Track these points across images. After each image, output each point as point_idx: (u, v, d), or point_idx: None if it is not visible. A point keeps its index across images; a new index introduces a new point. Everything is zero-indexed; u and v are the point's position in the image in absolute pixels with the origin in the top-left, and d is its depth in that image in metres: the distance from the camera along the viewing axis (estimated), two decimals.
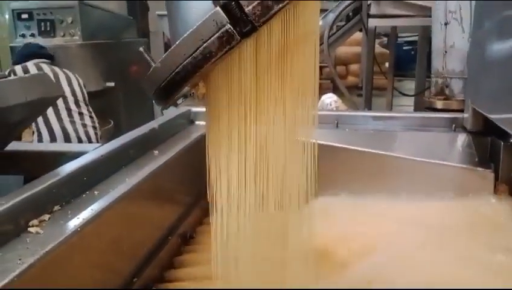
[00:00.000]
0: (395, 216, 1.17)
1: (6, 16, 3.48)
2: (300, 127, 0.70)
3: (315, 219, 0.74)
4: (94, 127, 2.72)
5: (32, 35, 3.33)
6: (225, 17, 0.56)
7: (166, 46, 5.45)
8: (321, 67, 6.95)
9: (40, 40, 3.11)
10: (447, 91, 1.82)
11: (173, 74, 0.60)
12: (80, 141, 2.53)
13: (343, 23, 3.97)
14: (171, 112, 1.34)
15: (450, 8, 1.83)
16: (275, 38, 0.62)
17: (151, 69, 0.64)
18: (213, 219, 0.69)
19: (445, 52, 1.81)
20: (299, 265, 0.75)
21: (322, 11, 3.47)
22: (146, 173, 0.95)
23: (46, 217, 0.72)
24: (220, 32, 0.56)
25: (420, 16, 2.75)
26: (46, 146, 1.98)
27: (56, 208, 0.75)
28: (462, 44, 1.80)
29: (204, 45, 0.57)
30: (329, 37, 3.53)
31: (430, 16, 2.05)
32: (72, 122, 2.53)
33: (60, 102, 2.38)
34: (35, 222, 0.70)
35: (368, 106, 3.41)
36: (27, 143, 2.02)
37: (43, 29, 3.33)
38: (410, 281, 0.90)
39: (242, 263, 0.70)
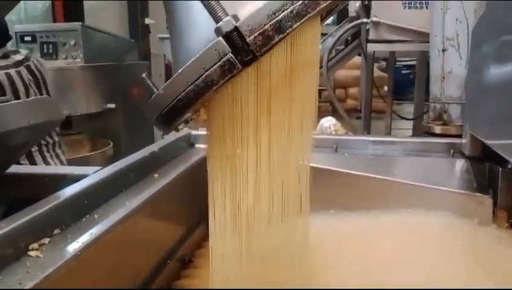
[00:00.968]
0: (391, 236, 1.17)
1: None
2: (298, 151, 0.71)
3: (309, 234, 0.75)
4: None
5: None
6: (227, 46, 0.58)
7: (167, 68, 5.50)
8: (320, 91, 7.01)
9: (43, 62, 3.13)
10: (445, 116, 1.84)
11: (175, 100, 0.62)
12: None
13: (342, 47, 4.02)
14: (171, 135, 1.35)
15: (447, 34, 1.86)
16: (275, 66, 0.64)
17: (153, 96, 0.65)
18: (211, 241, 0.70)
19: (443, 78, 1.84)
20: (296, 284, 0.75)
21: (322, 35, 3.52)
22: (146, 197, 0.95)
23: (46, 240, 0.72)
24: (221, 61, 0.58)
25: (418, 42, 2.79)
26: (45, 169, 1.98)
27: (56, 231, 0.76)
28: (460, 70, 1.83)
29: (207, 73, 0.59)
30: (328, 60, 3.58)
31: (428, 42, 2.08)
32: None
33: None
34: (35, 245, 0.70)
35: (367, 130, 3.43)
36: (26, 166, 2.01)
37: (45, 51, 3.37)
38: None
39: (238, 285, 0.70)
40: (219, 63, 0.58)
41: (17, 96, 2.09)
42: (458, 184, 1.28)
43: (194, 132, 1.42)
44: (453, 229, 1.20)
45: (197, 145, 1.41)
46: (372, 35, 2.97)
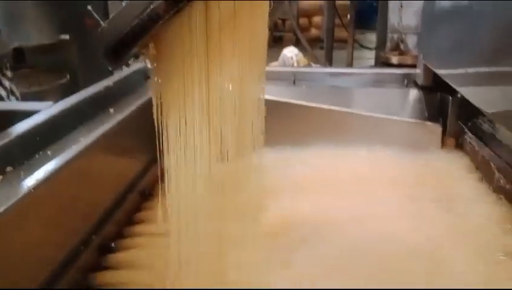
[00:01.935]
0: (345, 166, 1.22)
1: None
2: (251, 83, 0.71)
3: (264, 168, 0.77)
4: None
5: None
6: None
7: None
8: (283, 20, 6.90)
9: None
10: (402, 46, 1.85)
11: (122, 35, 0.60)
12: None
13: None
14: (126, 69, 1.32)
15: None
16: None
17: (99, 30, 0.64)
18: (166, 174, 0.71)
19: (401, 6, 1.83)
20: (250, 215, 0.78)
21: None
22: (101, 132, 0.94)
23: None
24: None
25: None
26: None
27: (8, 169, 0.75)
28: None
29: (152, 6, 0.57)
30: None
31: None
32: None
33: None
34: None
35: (329, 60, 3.42)
36: None
37: None
38: (353, 228, 0.96)
39: (193, 216, 0.72)
40: None
41: None
42: (410, 113, 1.32)
43: (149, 66, 1.38)
44: (404, 156, 1.25)
45: None
46: None
